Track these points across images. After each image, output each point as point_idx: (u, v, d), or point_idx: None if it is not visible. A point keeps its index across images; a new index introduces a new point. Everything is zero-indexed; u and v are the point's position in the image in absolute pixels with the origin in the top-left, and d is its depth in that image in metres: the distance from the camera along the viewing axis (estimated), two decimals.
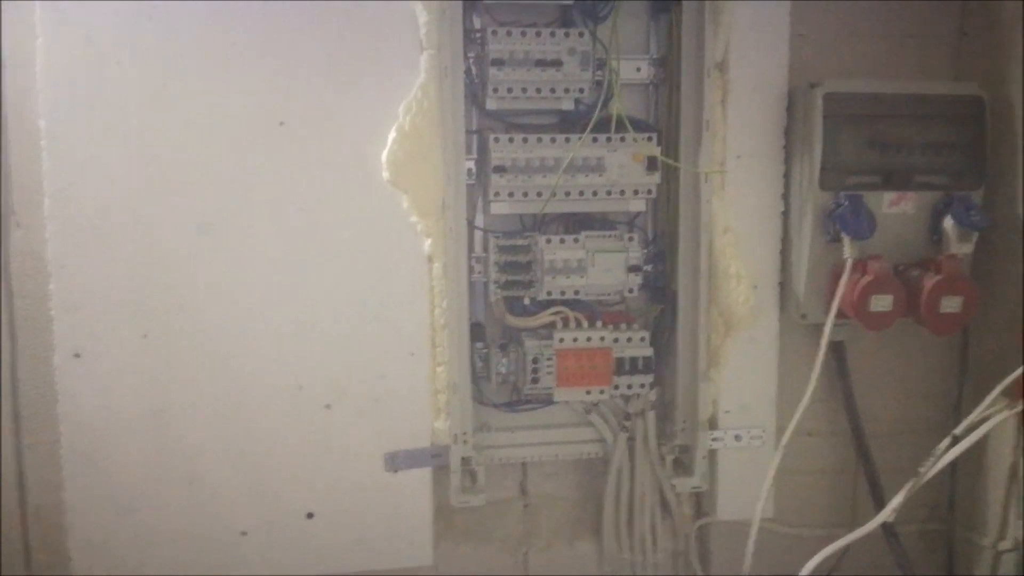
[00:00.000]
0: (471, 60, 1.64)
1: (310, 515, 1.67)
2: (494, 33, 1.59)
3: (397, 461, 1.67)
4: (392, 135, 1.57)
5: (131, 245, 1.55)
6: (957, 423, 1.64)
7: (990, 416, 1.60)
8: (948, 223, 1.63)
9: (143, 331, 1.57)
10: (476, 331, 1.73)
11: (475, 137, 1.69)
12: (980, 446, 1.64)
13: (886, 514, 1.63)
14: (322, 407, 1.64)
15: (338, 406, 1.64)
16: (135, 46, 1.51)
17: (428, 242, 1.62)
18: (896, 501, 1.62)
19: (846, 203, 1.61)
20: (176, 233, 1.56)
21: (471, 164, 1.68)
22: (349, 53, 1.57)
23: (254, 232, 1.58)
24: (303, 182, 1.59)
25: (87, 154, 1.52)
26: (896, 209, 1.65)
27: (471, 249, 1.70)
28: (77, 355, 1.56)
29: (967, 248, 1.63)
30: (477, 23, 1.67)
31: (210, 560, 1.64)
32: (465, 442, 1.69)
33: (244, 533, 1.65)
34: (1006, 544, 1.71)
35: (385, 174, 1.59)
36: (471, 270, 1.69)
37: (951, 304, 1.59)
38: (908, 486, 1.61)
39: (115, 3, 1.49)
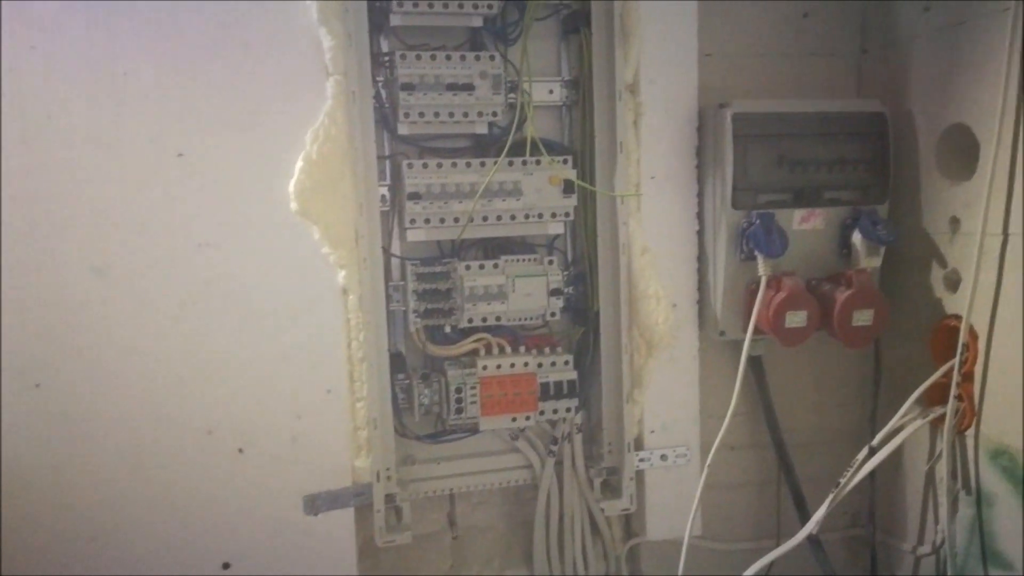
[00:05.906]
0: (380, 85, 1.60)
1: (226, 565, 1.58)
2: (403, 57, 1.55)
3: (317, 503, 1.60)
4: (299, 164, 1.51)
5: (19, 290, 1.44)
6: (873, 431, 1.69)
7: (905, 425, 1.65)
8: (856, 238, 1.66)
9: (35, 380, 1.47)
10: (396, 362, 1.67)
11: (388, 163, 1.65)
12: (897, 454, 1.69)
13: (810, 527, 1.66)
14: (234, 451, 1.56)
15: (251, 450, 1.57)
16: (16, 76, 1.40)
17: (342, 273, 1.57)
18: (819, 514, 1.65)
19: (758, 222, 1.63)
20: (69, 275, 1.46)
21: (385, 191, 1.63)
22: (251, 80, 1.50)
23: (154, 271, 1.49)
24: (205, 216, 1.51)
25: None
26: (807, 225, 1.68)
27: (388, 278, 1.65)
28: None
29: (875, 262, 1.67)
30: (385, 47, 1.63)
31: None
32: (389, 478, 1.64)
33: None
34: (924, 548, 1.76)
35: (293, 205, 1.52)
36: (389, 299, 1.64)
37: (862, 317, 1.62)
38: (830, 498, 1.64)
39: None
